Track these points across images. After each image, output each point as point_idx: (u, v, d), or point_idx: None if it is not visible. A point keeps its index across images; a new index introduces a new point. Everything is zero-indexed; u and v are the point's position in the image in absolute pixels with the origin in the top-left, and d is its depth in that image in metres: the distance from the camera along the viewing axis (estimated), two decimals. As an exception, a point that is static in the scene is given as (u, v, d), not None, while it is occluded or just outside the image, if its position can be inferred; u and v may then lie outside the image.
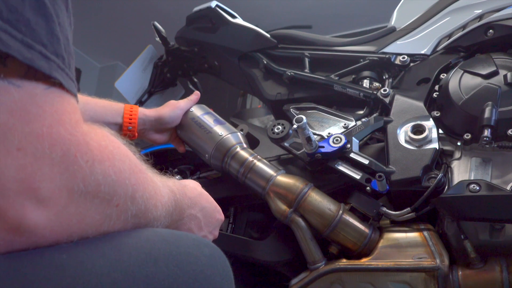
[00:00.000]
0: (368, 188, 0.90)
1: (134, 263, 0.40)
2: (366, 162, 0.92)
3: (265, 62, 1.26)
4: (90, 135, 0.38)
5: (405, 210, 0.87)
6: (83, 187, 0.36)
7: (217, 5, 1.38)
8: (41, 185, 0.33)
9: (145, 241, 0.44)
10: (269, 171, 0.96)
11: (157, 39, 1.48)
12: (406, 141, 0.93)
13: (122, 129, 0.94)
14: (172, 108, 1.02)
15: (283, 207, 0.92)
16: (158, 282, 0.41)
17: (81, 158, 0.36)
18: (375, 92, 1.07)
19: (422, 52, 1.11)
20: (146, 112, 0.99)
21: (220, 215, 0.75)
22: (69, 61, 0.38)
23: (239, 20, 1.38)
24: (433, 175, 0.86)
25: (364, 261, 0.87)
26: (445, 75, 1.01)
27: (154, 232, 0.46)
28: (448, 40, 1.08)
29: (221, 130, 1.02)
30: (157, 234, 0.46)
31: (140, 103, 1.51)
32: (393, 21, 1.23)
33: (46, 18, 0.35)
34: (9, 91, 0.32)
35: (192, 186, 0.70)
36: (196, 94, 1.08)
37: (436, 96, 1.00)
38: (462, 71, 0.95)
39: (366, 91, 1.09)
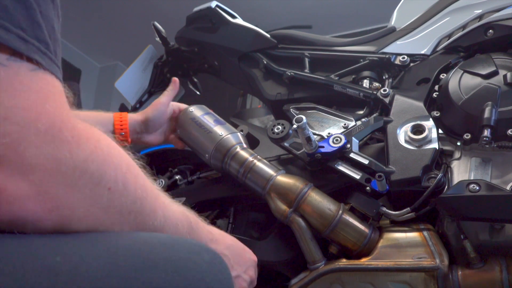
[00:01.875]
0: (368, 188, 0.90)
1: (131, 268, 0.39)
2: (366, 162, 0.92)
3: (265, 62, 1.26)
4: (77, 120, 0.38)
5: (405, 210, 0.87)
6: (70, 158, 0.36)
7: (217, 5, 1.38)
8: (26, 152, 0.33)
9: (143, 244, 0.42)
10: (269, 171, 0.96)
11: (157, 39, 1.48)
12: (406, 141, 0.93)
13: (114, 136, 0.95)
14: (155, 107, 1.03)
15: (283, 207, 0.92)
16: None
17: (67, 132, 0.36)
18: (375, 92, 1.07)
19: (422, 52, 1.11)
20: (133, 117, 1.01)
21: (251, 255, 0.70)
22: (55, 48, 0.38)
23: (239, 20, 1.38)
24: (433, 175, 0.86)
25: (364, 261, 0.87)
26: (445, 75, 1.01)
27: (152, 235, 0.45)
28: (448, 40, 1.08)
29: (221, 130, 1.02)
30: (155, 238, 0.45)
31: (140, 103, 1.51)
32: (393, 21, 1.23)
33: (25, 6, 0.35)
34: None
35: (208, 225, 0.65)
36: (174, 82, 1.07)
37: (436, 96, 1.00)
38: (462, 71, 0.95)
39: (366, 91, 1.09)
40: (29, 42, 0.35)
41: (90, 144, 0.38)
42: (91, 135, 0.39)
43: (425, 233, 0.86)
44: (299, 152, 0.99)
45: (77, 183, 0.37)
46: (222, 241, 0.64)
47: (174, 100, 1.08)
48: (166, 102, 1.05)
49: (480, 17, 1.04)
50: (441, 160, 0.90)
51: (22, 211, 0.34)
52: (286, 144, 1.02)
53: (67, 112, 0.37)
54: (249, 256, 0.69)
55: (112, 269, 0.38)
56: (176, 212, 0.52)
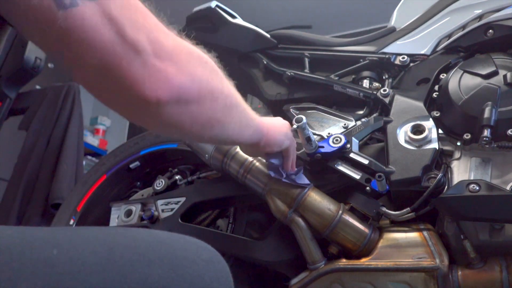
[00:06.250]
0: (368, 188, 0.90)
1: (126, 263, 0.39)
2: (366, 162, 0.92)
3: (265, 62, 1.26)
4: None
5: (404, 210, 0.87)
6: (183, 45, 0.49)
7: (217, 5, 1.38)
8: (165, 43, 0.46)
9: (140, 242, 0.43)
10: (269, 171, 0.95)
11: (157, 39, 1.47)
12: (406, 141, 0.93)
13: None
14: None
15: (283, 207, 0.92)
16: (151, 284, 0.40)
17: (169, 30, 0.49)
18: (375, 92, 1.07)
19: (422, 52, 1.11)
20: None
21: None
22: None
23: (239, 20, 1.38)
24: (433, 175, 0.86)
25: (364, 261, 0.87)
26: (445, 75, 1.01)
27: (150, 233, 0.46)
28: (448, 40, 1.08)
29: (221, 130, 1.02)
30: (153, 236, 0.45)
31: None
32: (393, 21, 1.23)
33: None
34: None
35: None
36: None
37: (436, 96, 1.00)
38: (462, 71, 0.95)
39: (366, 91, 1.09)
40: None
41: (179, 38, 0.50)
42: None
43: (425, 233, 0.86)
44: (299, 152, 0.99)
45: (193, 59, 0.49)
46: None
47: None
48: None
49: (480, 17, 1.04)
50: (441, 160, 0.90)
51: (175, 85, 0.45)
52: (286, 144, 1.01)
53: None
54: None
55: (107, 264, 0.38)
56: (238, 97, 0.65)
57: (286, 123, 0.87)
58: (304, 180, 0.92)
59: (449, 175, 0.87)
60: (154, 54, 0.43)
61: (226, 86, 0.57)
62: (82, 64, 0.41)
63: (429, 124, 0.93)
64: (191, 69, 0.48)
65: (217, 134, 0.58)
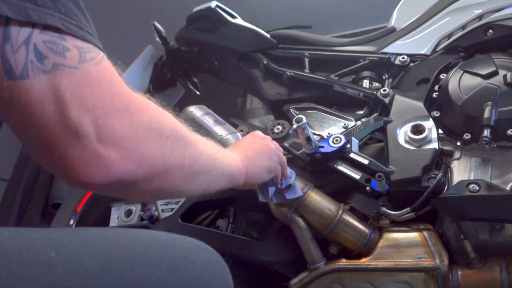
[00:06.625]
0: (367, 188, 0.90)
1: (125, 264, 0.40)
2: (366, 162, 0.92)
3: (265, 62, 1.26)
4: (131, 91, 0.47)
5: (404, 210, 0.87)
6: (140, 123, 0.44)
7: (217, 5, 1.38)
8: (115, 126, 0.42)
9: (139, 243, 0.43)
10: (269, 171, 0.95)
11: (157, 39, 1.48)
12: (406, 141, 0.93)
13: None
14: None
15: (283, 207, 0.92)
16: (150, 285, 0.40)
17: (132, 105, 0.45)
18: (375, 92, 1.07)
19: (422, 52, 1.11)
20: None
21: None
22: (90, 24, 0.45)
23: (239, 20, 1.38)
24: (432, 175, 0.86)
25: (364, 261, 0.87)
26: (445, 75, 1.01)
27: (150, 234, 0.46)
28: (448, 40, 1.08)
29: (221, 130, 1.02)
30: (152, 237, 0.45)
31: (140, 103, 1.51)
32: (393, 21, 1.23)
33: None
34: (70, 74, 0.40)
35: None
36: None
37: (436, 96, 1.00)
38: (462, 71, 0.95)
39: (366, 91, 1.09)
40: (94, 36, 0.43)
41: (147, 109, 0.47)
42: (144, 102, 0.48)
43: (425, 233, 0.86)
44: (299, 152, 0.99)
45: (150, 139, 0.45)
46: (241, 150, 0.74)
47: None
48: None
49: (480, 17, 1.04)
50: (441, 160, 0.90)
51: (117, 172, 0.42)
52: (286, 144, 1.02)
53: (124, 87, 0.45)
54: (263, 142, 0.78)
55: (106, 265, 0.38)
56: (212, 146, 0.62)
57: (272, 150, 0.79)
58: (296, 193, 0.88)
59: (449, 175, 0.87)
60: (98, 139, 0.40)
61: (190, 156, 0.52)
62: (23, 135, 0.40)
63: (429, 124, 0.93)
64: (142, 153, 0.44)
65: (175, 197, 0.55)
